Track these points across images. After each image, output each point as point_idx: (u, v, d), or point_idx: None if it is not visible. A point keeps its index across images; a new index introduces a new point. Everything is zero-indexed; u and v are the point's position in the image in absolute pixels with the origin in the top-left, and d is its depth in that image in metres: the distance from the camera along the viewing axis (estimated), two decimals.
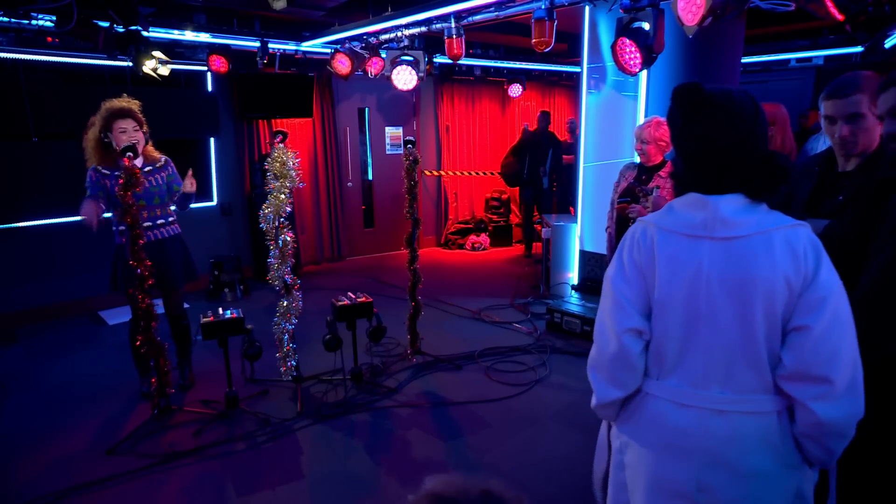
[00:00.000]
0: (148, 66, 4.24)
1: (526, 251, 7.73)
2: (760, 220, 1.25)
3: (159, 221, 3.51)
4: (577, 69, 5.96)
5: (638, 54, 3.34)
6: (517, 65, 7.84)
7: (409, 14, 4.69)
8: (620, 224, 3.44)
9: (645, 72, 3.88)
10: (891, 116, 1.54)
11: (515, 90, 8.00)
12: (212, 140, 6.26)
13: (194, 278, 3.77)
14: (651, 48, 3.29)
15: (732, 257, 1.25)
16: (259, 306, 5.49)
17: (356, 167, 7.62)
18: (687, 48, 3.99)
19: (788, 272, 1.21)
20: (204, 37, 5.31)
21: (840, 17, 3.25)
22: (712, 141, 1.28)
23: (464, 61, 6.80)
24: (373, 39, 5.31)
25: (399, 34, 5.00)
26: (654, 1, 3.27)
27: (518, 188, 7.69)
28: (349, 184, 7.56)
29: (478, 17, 4.45)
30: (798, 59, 6.42)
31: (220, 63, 5.25)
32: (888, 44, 5.22)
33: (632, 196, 3.29)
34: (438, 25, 4.66)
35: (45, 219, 5.11)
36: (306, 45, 5.93)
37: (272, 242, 3.49)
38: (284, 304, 3.57)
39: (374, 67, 5.46)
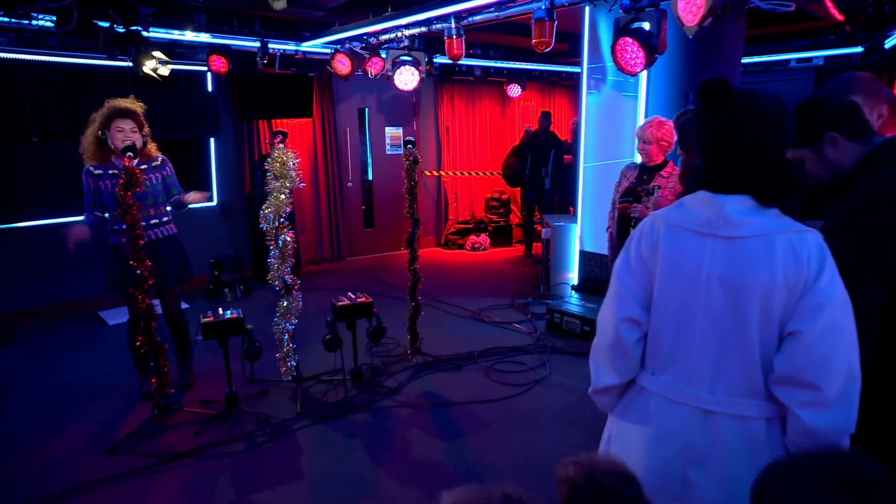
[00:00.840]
0: (148, 67, 4.24)
1: (526, 251, 7.72)
2: (765, 223, 1.24)
3: (153, 221, 3.46)
4: (577, 69, 5.95)
5: (641, 54, 3.34)
6: (517, 65, 7.83)
7: (410, 14, 4.68)
8: (622, 224, 3.44)
9: (645, 72, 3.88)
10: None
11: (515, 90, 8.00)
12: (212, 140, 6.26)
13: (189, 279, 3.72)
14: (654, 48, 3.30)
15: (733, 257, 1.25)
16: (259, 306, 5.49)
17: (356, 167, 7.62)
18: (687, 48, 4.00)
19: (789, 276, 1.20)
20: (204, 37, 5.31)
21: (840, 17, 3.25)
22: (728, 138, 1.27)
23: (464, 61, 6.79)
24: (373, 40, 5.31)
25: (399, 34, 5.00)
26: (654, 1, 3.28)
27: (519, 189, 7.70)
28: (349, 184, 7.56)
29: (478, 18, 4.45)
30: (798, 60, 6.41)
31: (220, 63, 5.25)
32: (888, 44, 5.22)
33: (633, 196, 3.28)
34: (438, 26, 4.66)
35: (45, 219, 5.10)
36: (306, 46, 5.92)
37: (272, 242, 3.49)
38: (284, 304, 3.57)
39: (374, 68, 5.46)
